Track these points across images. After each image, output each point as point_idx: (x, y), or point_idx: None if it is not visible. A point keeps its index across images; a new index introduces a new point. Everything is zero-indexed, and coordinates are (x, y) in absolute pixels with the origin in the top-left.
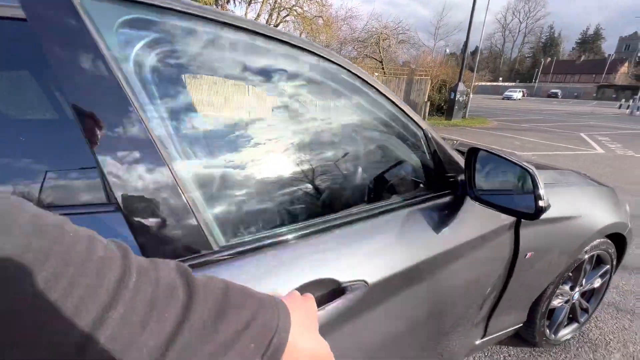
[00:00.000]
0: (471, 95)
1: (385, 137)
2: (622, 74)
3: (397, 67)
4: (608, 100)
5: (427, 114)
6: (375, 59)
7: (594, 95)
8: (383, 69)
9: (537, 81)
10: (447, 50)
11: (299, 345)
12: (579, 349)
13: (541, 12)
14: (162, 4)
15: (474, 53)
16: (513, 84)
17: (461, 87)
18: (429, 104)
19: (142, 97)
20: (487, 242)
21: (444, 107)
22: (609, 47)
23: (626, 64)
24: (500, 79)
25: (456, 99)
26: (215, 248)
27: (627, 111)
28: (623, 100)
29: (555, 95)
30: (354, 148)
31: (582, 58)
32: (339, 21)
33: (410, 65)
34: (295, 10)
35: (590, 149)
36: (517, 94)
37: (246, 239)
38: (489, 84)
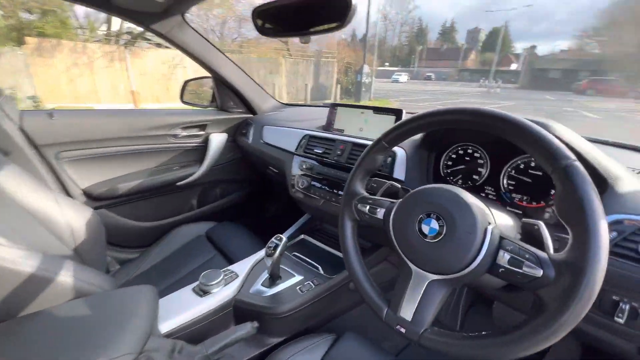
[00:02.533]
0: (374, 78)
1: None
2: (472, 60)
3: (304, 49)
4: (467, 81)
5: (338, 96)
6: (280, 40)
7: (456, 77)
8: (288, 50)
9: (415, 66)
10: (343, 36)
11: None
12: None
13: (411, 6)
14: None
15: (362, 40)
16: (397, 68)
17: (366, 68)
18: (339, 86)
19: None
20: None
21: (351, 89)
22: (461, 37)
23: (474, 52)
24: (387, 63)
25: (362, 80)
26: None
27: (485, 90)
28: (481, 80)
29: (429, 78)
30: None
31: (444, 46)
32: None
33: (316, 48)
34: None
35: None
36: (404, 77)
37: None
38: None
